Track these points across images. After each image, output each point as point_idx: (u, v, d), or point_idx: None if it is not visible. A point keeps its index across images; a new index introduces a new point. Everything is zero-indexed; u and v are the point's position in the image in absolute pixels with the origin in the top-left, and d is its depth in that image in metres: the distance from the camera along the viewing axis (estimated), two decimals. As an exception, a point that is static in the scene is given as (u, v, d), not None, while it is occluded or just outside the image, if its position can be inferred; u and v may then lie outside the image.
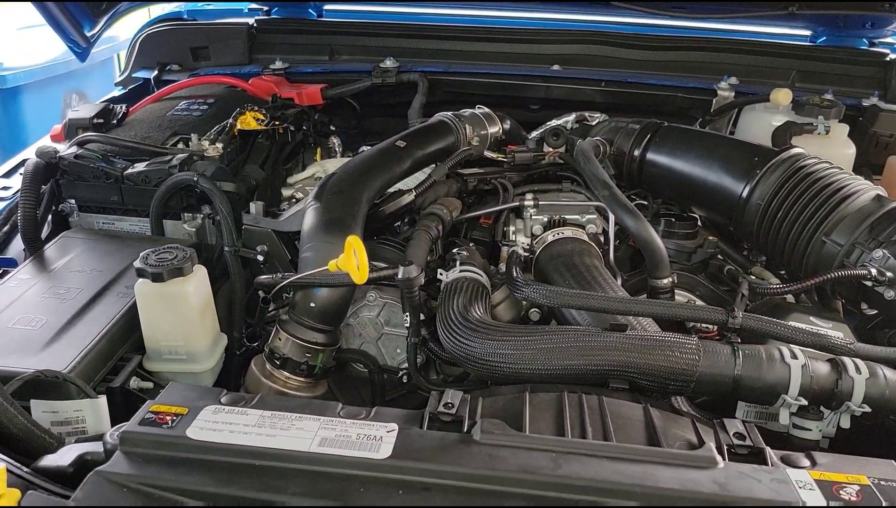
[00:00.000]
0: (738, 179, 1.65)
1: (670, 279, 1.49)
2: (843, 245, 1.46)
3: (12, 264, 1.63)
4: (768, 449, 0.99)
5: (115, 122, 2.04)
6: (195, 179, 1.66)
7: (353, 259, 1.04)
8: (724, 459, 0.96)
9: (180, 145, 1.92)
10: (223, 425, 0.99)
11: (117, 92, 2.57)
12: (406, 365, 1.61)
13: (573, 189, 1.89)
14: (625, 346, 1.19)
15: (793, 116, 2.04)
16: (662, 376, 1.17)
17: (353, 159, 1.73)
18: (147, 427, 0.97)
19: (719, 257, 1.67)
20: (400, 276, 1.37)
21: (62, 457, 1.01)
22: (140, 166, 1.74)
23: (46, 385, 1.17)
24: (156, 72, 2.58)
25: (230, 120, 1.99)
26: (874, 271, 1.37)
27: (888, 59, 2.39)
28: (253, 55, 2.63)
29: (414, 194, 1.72)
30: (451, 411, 1.06)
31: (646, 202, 1.91)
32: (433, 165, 1.87)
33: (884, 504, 0.86)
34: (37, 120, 4.37)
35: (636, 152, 1.88)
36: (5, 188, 1.90)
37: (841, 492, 0.88)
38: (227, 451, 0.94)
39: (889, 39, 2.67)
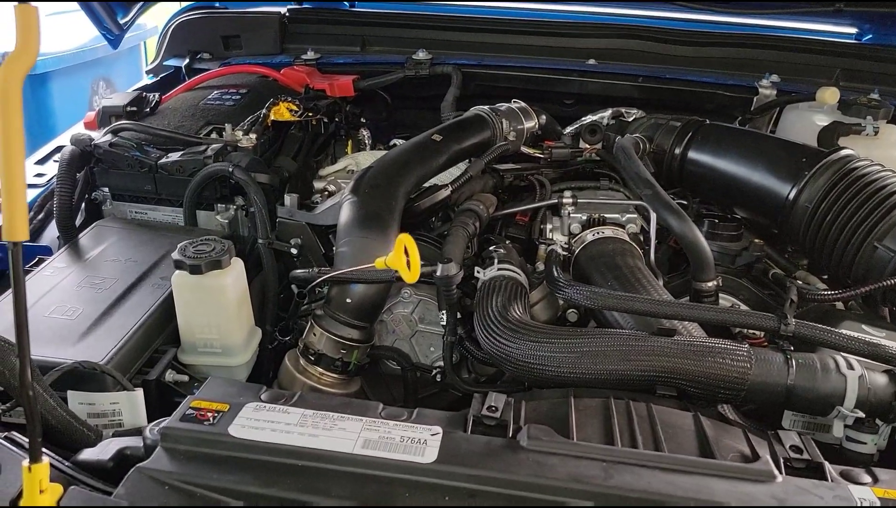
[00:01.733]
0: (784, 181, 1.61)
1: (715, 283, 1.44)
2: (896, 251, 1.41)
3: (47, 251, 1.62)
4: (827, 464, 0.95)
5: (147, 110, 2.03)
6: (230, 169, 1.64)
7: (404, 257, 1.01)
8: (781, 473, 0.93)
9: (213, 135, 1.90)
10: (265, 423, 0.97)
11: (148, 80, 2.56)
12: (439, 363, 1.58)
13: (612, 187, 1.85)
14: (673, 351, 1.15)
15: (838, 116, 1.99)
16: (712, 383, 1.14)
17: (389, 153, 1.70)
18: (188, 424, 0.96)
19: (766, 260, 1.62)
20: (439, 273, 1.35)
21: (102, 451, 1.00)
22: (174, 156, 1.73)
23: (83, 377, 1.16)
24: (187, 60, 2.57)
25: (263, 111, 1.97)
26: (931, 279, 1.32)
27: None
28: (284, 45, 2.61)
29: (450, 189, 1.69)
30: (496, 414, 1.03)
31: (685, 202, 1.86)
32: (468, 160, 1.84)
33: (954, 526, 0.83)
34: (64, 106, 4.38)
35: (677, 150, 1.83)
36: (39, 175, 1.90)
37: (908, 512, 0.85)
38: (270, 450, 0.92)
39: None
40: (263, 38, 2.58)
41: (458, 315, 1.46)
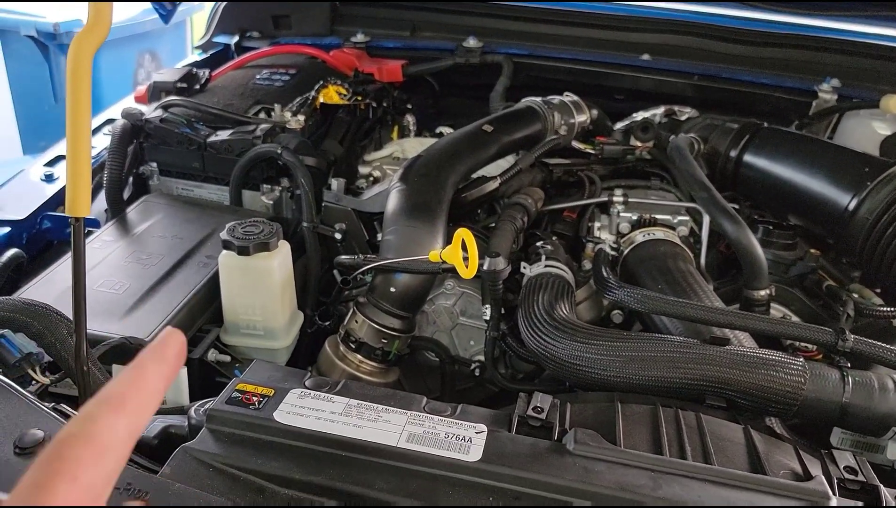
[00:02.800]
0: (844, 191, 1.55)
1: (768, 292, 1.41)
2: (961, 270, 1.36)
3: (94, 224, 1.63)
4: (883, 488, 0.92)
5: (197, 87, 2.04)
6: (278, 151, 1.64)
7: (461, 251, 1.00)
8: (835, 494, 0.89)
9: (262, 115, 1.90)
10: (309, 410, 0.97)
11: (197, 56, 2.57)
12: (478, 357, 1.57)
13: (663, 187, 1.81)
14: (725, 361, 1.12)
15: (902, 126, 1.92)
16: (764, 396, 1.11)
17: (438, 142, 1.68)
18: (234, 407, 0.95)
19: (820, 272, 1.57)
20: (486, 267, 1.33)
21: (147, 428, 1.00)
22: (223, 135, 1.73)
23: (129, 352, 1.17)
24: (236, 38, 2.57)
25: (312, 92, 1.96)
26: None
27: None
28: (334, 26, 2.59)
29: (499, 181, 1.67)
30: (541, 416, 1.01)
31: (737, 207, 1.82)
32: (517, 153, 1.82)
33: None
34: (110, 79, 4.43)
35: (732, 153, 1.78)
36: (89, 147, 1.91)
37: (973, 545, 0.81)
38: (315, 439, 0.92)
39: None
40: (314, 19, 2.57)
41: (502, 311, 1.45)
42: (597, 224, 1.69)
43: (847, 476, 0.95)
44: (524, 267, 1.47)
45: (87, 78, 0.75)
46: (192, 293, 1.34)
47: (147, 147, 1.78)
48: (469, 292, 1.55)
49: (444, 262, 1.33)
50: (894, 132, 1.86)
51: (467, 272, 1.03)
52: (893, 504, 0.90)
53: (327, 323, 1.61)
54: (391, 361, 1.42)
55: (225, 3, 2.59)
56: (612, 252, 1.58)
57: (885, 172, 1.51)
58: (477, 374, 1.56)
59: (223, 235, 1.30)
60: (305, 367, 1.49)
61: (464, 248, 1.02)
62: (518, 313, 1.36)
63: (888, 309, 1.33)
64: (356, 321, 1.40)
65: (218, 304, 1.37)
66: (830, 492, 0.89)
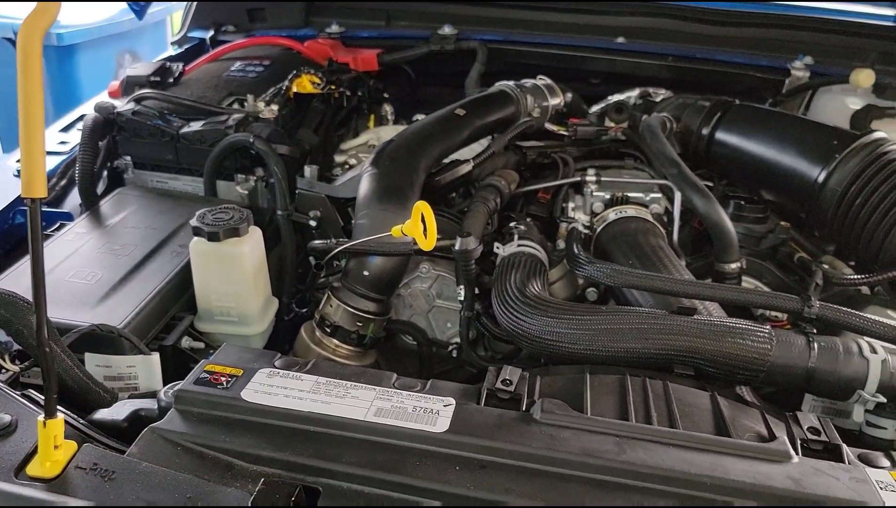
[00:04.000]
0: (814, 164, 1.57)
1: (738, 264, 1.42)
2: (928, 237, 1.37)
3: (68, 217, 1.63)
4: (845, 447, 0.93)
5: (171, 80, 2.03)
6: (251, 140, 1.64)
7: (421, 225, 1.00)
8: (798, 454, 0.91)
9: (236, 106, 1.90)
10: (278, 389, 0.97)
11: (173, 51, 2.56)
12: (456, 340, 1.58)
13: (636, 166, 1.82)
14: (693, 331, 1.13)
15: (872, 99, 1.94)
16: (731, 364, 1.12)
17: (411, 126, 1.69)
18: (202, 387, 0.96)
19: (791, 244, 1.59)
20: (457, 247, 1.34)
21: (117, 412, 1.01)
22: (196, 126, 1.73)
23: (101, 340, 1.17)
24: (212, 32, 2.56)
25: (286, 82, 1.96)
26: (962, 266, 1.28)
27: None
28: (309, 18, 2.59)
29: (472, 164, 1.68)
30: (510, 388, 1.02)
31: (711, 184, 1.83)
32: (491, 136, 1.82)
33: (977, 513, 0.80)
34: (90, 79, 4.40)
35: (704, 131, 1.80)
36: (63, 143, 1.91)
37: (927, 497, 0.83)
38: (283, 415, 0.92)
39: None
40: (288, 11, 2.57)
41: (476, 291, 1.45)
42: (571, 204, 1.70)
43: (811, 436, 0.96)
44: (497, 247, 1.47)
45: (38, 60, 0.75)
46: (164, 282, 1.34)
47: (120, 140, 1.77)
48: (444, 275, 1.56)
49: (415, 243, 1.34)
50: (864, 106, 1.87)
51: (427, 244, 1.03)
52: (856, 462, 0.91)
53: (304, 310, 1.62)
54: (367, 345, 1.43)
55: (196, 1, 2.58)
56: (586, 231, 1.59)
57: (853, 144, 1.53)
58: (454, 356, 1.57)
59: (193, 222, 1.30)
60: (286, 354, 1.49)
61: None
62: (492, 293, 1.37)
63: (855, 277, 1.34)
64: (331, 306, 1.41)
65: (192, 292, 1.38)
66: (792, 451, 0.90)
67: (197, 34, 2.62)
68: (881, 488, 0.85)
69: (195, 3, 2.63)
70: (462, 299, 1.44)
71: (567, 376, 1.12)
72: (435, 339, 1.60)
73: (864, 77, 1.91)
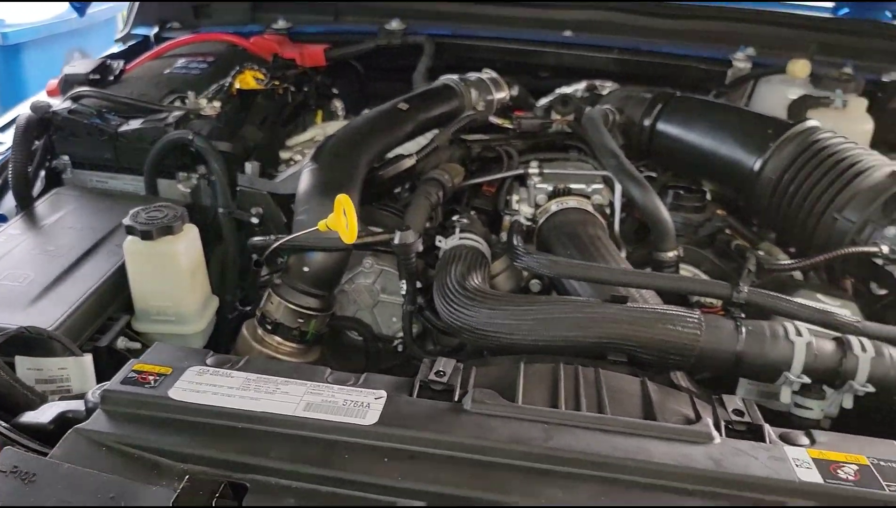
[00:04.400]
0: (750, 152, 1.60)
1: (675, 253, 1.45)
2: (855, 222, 1.41)
3: (2, 219, 1.60)
4: (767, 427, 0.95)
5: (111, 78, 2.00)
6: (190, 137, 1.62)
7: (343, 218, 1.00)
8: (721, 435, 0.93)
9: (177, 104, 1.87)
10: (207, 386, 0.96)
11: (116, 49, 2.52)
12: (401, 334, 1.58)
13: (580, 158, 1.84)
14: (624, 318, 1.15)
15: (810, 90, 1.98)
16: (663, 349, 1.14)
17: (353, 121, 1.68)
18: (128, 387, 0.95)
19: (727, 231, 1.62)
20: (396, 241, 1.34)
21: (42, 414, 0.99)
22: (135, 124, 1.70)
23: (31, 342, 1.15)
24: (156, 29, 2.52)
25: (229, 79, 1.94)
26: (885, 249, 1.33)
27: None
28: (256, 14, 2.56)
29: (415, 158, 1.68)
30: (443, 379, 1.03)
31: (654, 174, 1.86)
32: (436, 130, 1.82)
33: (883, 485, 0.83)
34: (39, 78, 4.30)
35: (646, 122, 1.82)
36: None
37: (839, 472, 0.85)
38: (209, 413, 0.92)
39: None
40: (234, 7, 2.54)
41: (419, 285, 1.46)
42: (515, 197, 1.71)
43: (735, 418, 0.98)
44: (439, 241, 1.48)
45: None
46: (100, 282, 1.32)
47: (57, 140, 1.73)
48: (388, 270, 1.55)
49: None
50: (801, 95, 1.91)
51: (349, 237, 1.03)
52: (776, 441, 0.94)
53: (249, 308, 1.60)
54: (309, 341, 1.42)
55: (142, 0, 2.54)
56: (529, 223, 1.60)
57: (787, 133, 1.57)
58: (400, 350, 1.57)
59: (126, 220, 1.28)
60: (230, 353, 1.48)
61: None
62: (433, 286, 1.37)
63: (785, 263, 1.37)
64: (272, 303, 1.40)
65: (129, 292, 1.36)
66: (714, 432, 0.92)
67: (141, 31, 2.58)
68: (797, 465, 0.87)
69: (139, 0, 2.59)
70: (405, 293, 1.44)
71: (502, 366, 1.13)
72: (381, 334, 1.60)
73: (801, 67, 1.95)
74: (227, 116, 1.88)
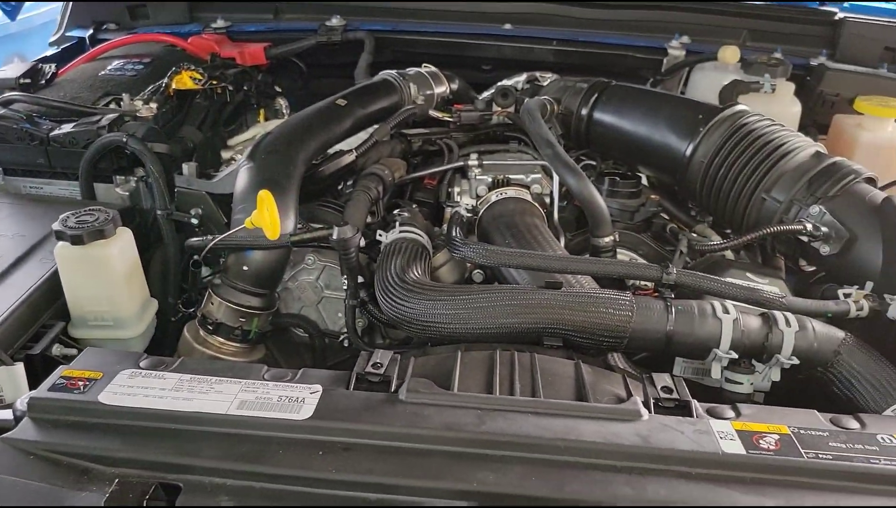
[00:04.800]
0: (682, 138, 1.64)
1: (612, 238, 1.48)
2: (782, 202, 1.46)
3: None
4: (694, 402, 0.98)
5: (43, 82, 1.96)
6: (124, 140, 1.59)
7: (267, 215, 1.00)
8: (650, 412, 0.95)
9: (112, 106, 1.84)
10: (139, 389, 0.96)
11: (50, 52, 2.46)
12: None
13: (520, 149, 1.86)
14: (559, 303, 1.17)
15: (741, 75, 2.03)
16: (596, 332, 1.16)
17: (290, 118, 1.68)
18: (57, 393, 0.94)
19: (663, 215, 1.66)
20: (335, 236, 1.34)
21: (-32, 426, 0.97)
22: (67, 127, 1.67)
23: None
24: (91, 31, 2.47)
25: (165, 79, 1.92)
26: (810, 227, 1.37)
27: (836, 18, 2.38)
28: (194, 13, 2.53)
29: (355, 154, 1.68)
30: (380, 371, 1.04)
31: (594, 162, 1.89)
32: (376, 126, 1.83)
33: (802, 452, 0.86)
34: (-23, 85, 4.19)
35: (583, 112, 1.85)
36: (-72, 152, 1.81)
37: (761, 442, 0.88)
38: (140, 415, 0.91)
39: (838, -1, 2.67)
40: (171, 7, 2.50)
41: (363, 280, 1.46)
42: (457, 189, 1.72)
43: (663, 395, 1.01)
44: (380, 235, 1.48)
45: None
46: (31, 289, 1.29)
47: (-14, 147, 1.70)
48: (330, 265, 1.56)
49: (291, 235, 1.34)
50: (731, 81, 1.96)
51: (272, 233, 1.03)
52: (703, 415, 0.97)
53: (192, 310, 1.59)
54: (252, 340, 1.42)
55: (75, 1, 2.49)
56: (470, 214, 1.62)
57: (716, 117, 1.61)
58: (346, 345, 1.57)
59: (56, 225, 1.26)
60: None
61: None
62: (375, 280, 1.38)
63: (716, 243, 1.41)
64: (212, 303, 1.39)
65: (64, 298, 1.33)
66: (643, 410, 0.95)
67: (76, 33, 2.52)
68: (721, 438, 0.90)
69: (72, 1, 2.53)
70: (347, 288, 1.44)
71: (440, 355, 1.14)
72: (327, 330, 1.60)
73: (731, 54, 2.00)
74: (165, 118, 1.86)
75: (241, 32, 2.44)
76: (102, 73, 2.04)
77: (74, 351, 1.29)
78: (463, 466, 0.87)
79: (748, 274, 1.37)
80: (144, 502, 0.81)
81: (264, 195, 1.01)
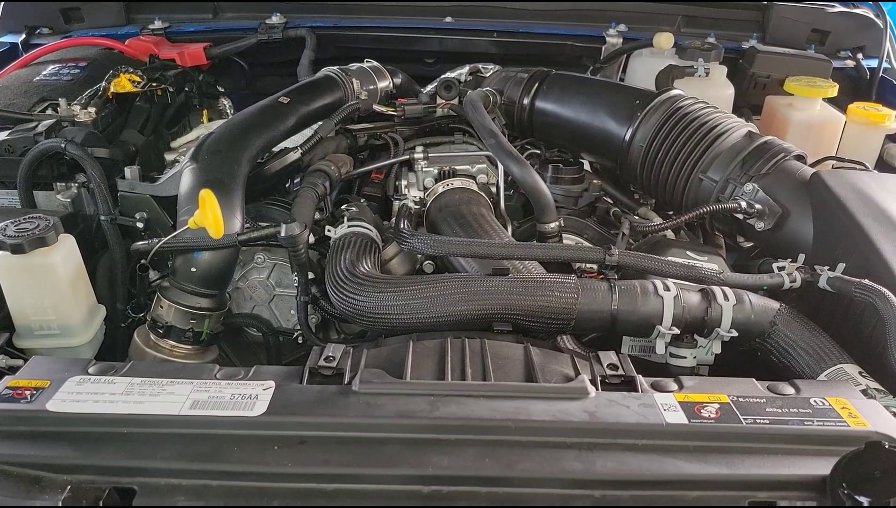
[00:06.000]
0: (621, 123, 1.69)
1: (557, 224, 1.51)
2: (718, 181, 1.51)
3: None
4: (639, 377, 1.02)
5: (-25, 90, 1.90)
6: (63, 145, 1.56)
7: (209, 214, 1.00)
8: (597, 389, 0.99)
9: (49, 112, 1.80)
10: (88, 395, 0.95)
11: (-19, 59, 2.39)
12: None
13: (465, 141, 1.89)
14: (506, 289, 1.20)
15: (676, 60, 2.09)
16: (544, 316, 1.19)
17: (232, 118, 1.67)
18: (3, 404, 0.92)
19: (606, 199, 1.70)
20: (283, 234, 1.34)
21: (-90, 443, 0.95)
22: (2, 135, 1.63)
23: None
24: (23, 36, 2.41)
25: (103, 83, 1.88)
26: (744, 204, 1.43)
27: (765, 2, 2.46)
28: (130, 15, 2.48)
29: (300, 151, 1.68)
30: (332, 364, 1.05)
31: (538, 151, 1.92)
32: (320, 123, 1.83)
33: (741, 418, 0.90)
34: None
35: (525, 101, 1.88)
36: None
37: (702, 411, 0.92)
38: (90, 421, 0.90)
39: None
40: (106, 9, 2.45)
41: (313, 276, 1.46)
42: (404, 182, 1.74)
43: (609, 372, 1.04)
44: (328, 231, 1.49)
45: None
46: (-28, 302, 1.27)
47: (-83, 158, 1.64)
48: (281, 263, 1.56)
49: (239, 234, 1.34)
50: (666, 66, 2.02)
51: (215, 232, 1.03)
52: (648, 389, 1.00)
53: (141, 315, 1.57)
54: (204, 341, 1.41)
55: (4, 1, 2.41)
56: (418, 206, 1.63)
57: (652, 102, 1.65)
58: (300, 342, 1.57)
59: (-6, 235, 1.23)
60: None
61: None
62: (325, 276, 1.38)
63: (656, 224, 1.45)
64: (161, 307, 1.38)
65: (7, 309, 1.31)
66: (590, 387, 0.98)
67: (8, 39, 2.45)
68: (665, 409, 0.93)
69: (2, 4, 2.46)
70: (297, 285, 1.44)
71: (392, 346, 1.16)
72: (280, 328, 1.60)
73: (665, 40, 2.06)
74: (104, 122, 1.82)
75: (180, 33, 2.41)
76: (37, 78, 1.99)
77: (21, 362, 1.26)
78: (418, 451, 0.89)
79: (688, 252, 1.42)
80: (100, 504, 0.81)
81: (205, 194, 1.01)
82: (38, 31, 2.47)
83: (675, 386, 1.00)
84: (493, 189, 1.71)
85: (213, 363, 1.44)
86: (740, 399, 0.96)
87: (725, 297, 1.21)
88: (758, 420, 0.90)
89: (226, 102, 2.33)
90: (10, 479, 0.86)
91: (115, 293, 1.58)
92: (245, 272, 1.56)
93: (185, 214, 1.40)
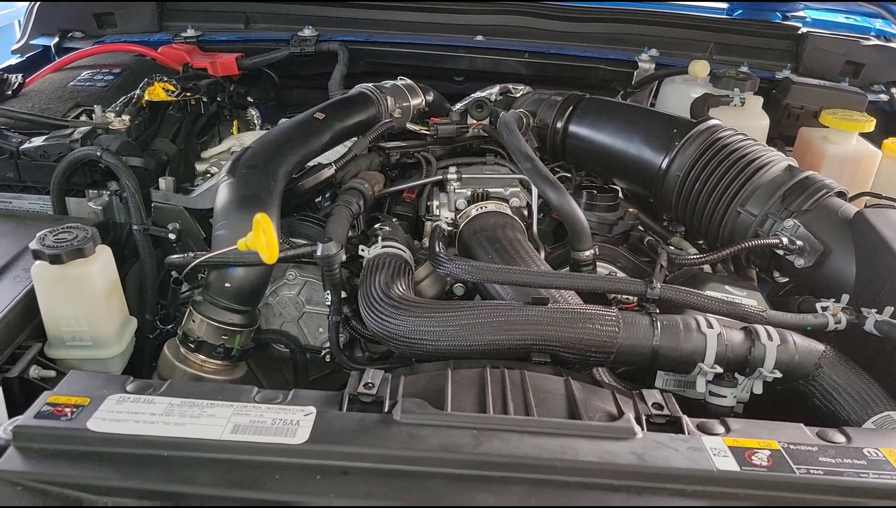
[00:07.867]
0: (657, 151, 1.67)
1: (592, 251, 1.49)
2: (757, 215, 1.50)
3: None
4: (685, 418, 1.00)
5: (9, 93, 1.90)
6: (98, 153, 1.56)
7: (262, 237, 0.99)
8: (642, 429, 0.97)
9: (83, 118, 1.80)
10: (128, 415, 0.94)
11: (14, 60, 2.40)
12: (329, 344, 1.57)
13: (497, 162, 1.87)
14: (546, 320, 1.18)
15: (710, 88, 2.08)
16: (584, 348, 1.18)
17: (269, 132, 1.66)
18: (43, 420, 0.91)
19: (640, 228, 1.69)
20: (319, 253, 1.33)
21: (-50, 456, 0.94)
22: (38, 141, 1.63)
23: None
24: (56, 39, 2.42)
25: (138, 91, 1.88)
26: (785, 240, 1.41)
27: (800, 32, 2.45)
28: (163, 22, 2.49)
29: (334, 168, 1.67)
30: (372, 391, 1.03)
31: (569, 175, 1.91)
32: (354, 139, 1.82)
33: (794, 468, 0.88)
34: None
35: (559, 124, 1.87)
36: None
37: (753, 458, 0.90)
38: (132, 442, 0.89)
39: (801, 14, 2.75)
40: (140, 16, 2.46)
41: (344, 294, 1.45)
42: (435, 202, 1.73)
43: (654, 411, 1.02)
44: (362, 250, 1.48)
45: None
46: (6, 310, 1.25)
47: (-48, 161, 1.64)
48: (312, 280, 1.55)
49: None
50: (702, 94, 2.00)
51: (269, 257, 1.02)
52: (694, 431, 0.98)
53: (170, 327, 1.56)
54: (234, 357, 1.40)
55: (38, 2, 2.42)
56: (450, 228, 1.62)
57: (690, 132, 1.64)
58: (328, 360, 1.56)
59: (33, 244, 1.22)
60: (152, 375, 1.44)
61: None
62: (358, 296, 1.37)
63: (695, 257, 1.44)
64: (193, 321, 1.37)
65: (40, 318, 1.30)
66: (637, 427, 0.96)
67: (41, 41, 2.46)
68: (714, 454, 0.92)
69: (36, 6, 2.47)
70: (330, 303, 1.43)
71: (430, 373, 1.14)
72: (308, 345, 1.59)
73: (700, 68, 2.05)
74: (138, 130, 1.82)
75: (212, 42, 2.41)
76: (71, 83, 1.99)
77: (53, 373, 1.26)
78: (462, 488, 0.88)
79: (727, 287, 1.40)
80: (141, 531, 0.80)
81: (261, 218, 1.00)
82: (71, 34, 2.47)
83: (721, 429, 0.98)
84: (526, 213, 1.70)
85: (240, 379, 1.44)
86: (791, 447, 0.93)
87: (769, 337, 1.19)
88: (811, 471, 0.88)
89: (254, 113, 2.32)
90: (50, 499, 0.85)
91: (144, 304, 1.57)
92: (276, 288, 1.55)
93: (222, 228, 1.39)
